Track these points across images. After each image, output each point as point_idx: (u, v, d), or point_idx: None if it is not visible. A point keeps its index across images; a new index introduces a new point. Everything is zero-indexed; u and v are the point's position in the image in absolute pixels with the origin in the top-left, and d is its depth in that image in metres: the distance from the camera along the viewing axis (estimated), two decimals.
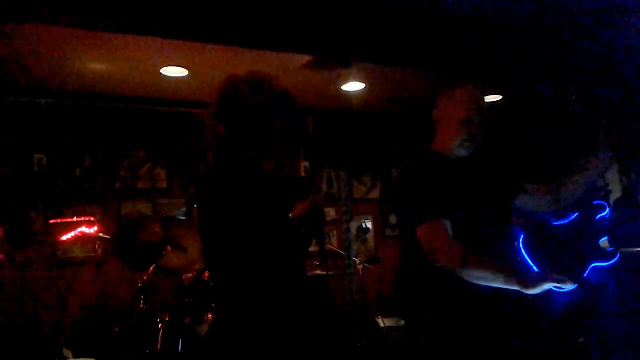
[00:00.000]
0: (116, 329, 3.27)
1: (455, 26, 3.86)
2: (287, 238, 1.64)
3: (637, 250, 3.32)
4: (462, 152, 2.04)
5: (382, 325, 4.28)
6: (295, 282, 1.72)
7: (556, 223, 2.89)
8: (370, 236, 5.35)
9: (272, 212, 1.65)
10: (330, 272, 4.21)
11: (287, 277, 1.68)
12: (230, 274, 1.65)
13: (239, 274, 1.62)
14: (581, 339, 3.01)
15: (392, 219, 5.35)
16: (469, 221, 1.88)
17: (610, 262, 2.92)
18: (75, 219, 3.84)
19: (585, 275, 2.88)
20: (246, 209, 1.57)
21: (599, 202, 3.02)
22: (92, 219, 3.86)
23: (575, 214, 2.97)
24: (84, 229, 3.67)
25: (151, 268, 3.21)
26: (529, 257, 3.05)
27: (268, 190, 1.69)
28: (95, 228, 3.64)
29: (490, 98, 4.98)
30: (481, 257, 1.81)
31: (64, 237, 3.71)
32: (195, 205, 1.76)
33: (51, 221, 4.01)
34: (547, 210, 2.19)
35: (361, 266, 4.29)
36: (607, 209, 3.01)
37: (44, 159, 4.26)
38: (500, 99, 5.01)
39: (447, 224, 1.84)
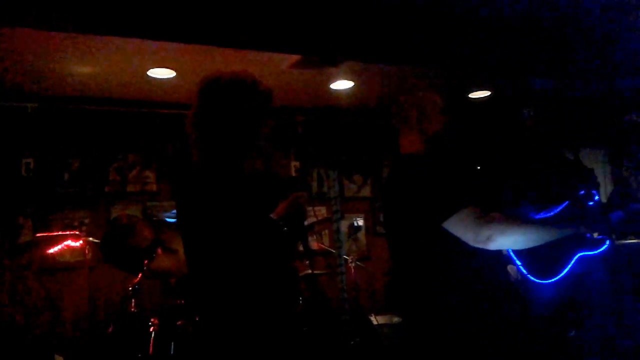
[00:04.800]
0: (108, 333, 3.25)
1: (445, 23, 3.87)
2: (268, 237, 1.64)
3: (627, 242, 3.33)
4: (451, 135, 2.10)
5: (375, 322, 4.28)
6: (281, 281, 1.71)
7: (540, 216, 2.89)
8: (361, 234, 5.35)
9: (252, 212, 1.64)
10: (321, 272, 4.21)
11: (271, 276, 1.67)
12: (211, 275, 1.64)
13: (220, 274, 1.61)
14: (572, 333, 3.02)
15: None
16: None
17: (599, 250, 2.92)
18: (61, 232, 3.86)
19: (570, 266, 2.89)
20: (225, 209, 1.57)
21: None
22: (77, 232, 3.88)
23: (563, 205, 2.97)
24: (69, 242, 3.69)
25: (142, 271, 3.20)
26: (514, 254, 3.06)
27: (248, 190, 1.68)
28: (81, 242, 3.66)
29: (478, 94, 5.00)
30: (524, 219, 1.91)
31: (50, 251, 3.74)
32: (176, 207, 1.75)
33: (38, 234, 3.99)
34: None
35: (353, 264, 4.29)
36: (596, 197, 3.01)
37: (32, 164, 4.23)
38: (488, 95, 5.03)
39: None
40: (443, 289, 1.90)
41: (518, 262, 3.01)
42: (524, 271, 2.97)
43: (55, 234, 3.86)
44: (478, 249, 1.85)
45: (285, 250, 1.72)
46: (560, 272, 2.90)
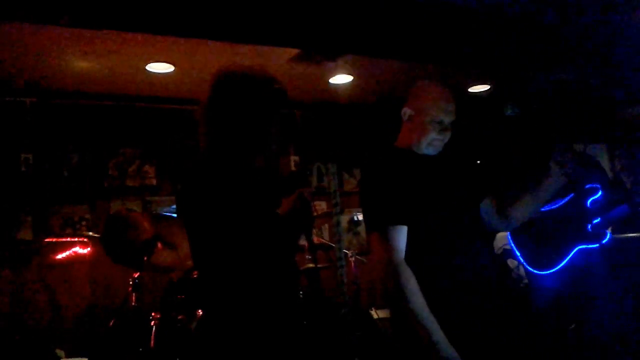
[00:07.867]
0: (109, 327, 3.25)
1: (445, 17, 3.86)
2: (274, 232, 1.64)
3: (626, 236, 3.34)
4: (431, 151, 2.02)
5: (375, 317, 4.29)
6: (285, 275, 1.71)
7: (544, 209, 2.89)
8: (362, 229, 5.34)
9: (259, 208, 1.64)
10: (322, 266, 4.21)
11: (276, 271, 1.67)
12: (217, 270, 1.64)
13: (227, 269, 1.61)
14: (572, 326, 3.03)
15: None
16: (438, 223, 1.86)
17: (599, 243, 2.93)
18: (69, 239, 3.86)
19: (569, 258, 2.90)
20: (232, 204, 1.56)
21: (592, 185, 3.02)
22: (85, 240, 3.89)
23: (568, 198, 2.98)
24: (77, 249, 3.69)
25: (142, 266, 3.20)
26: (514, 244, 3.07)
27: (255, 186, 1.68)
28: (89, 249, 3.67)
29: (478, 88, 5.00)
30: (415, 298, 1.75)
31: (58, 257, 3.74)
32: (179, 202, 1.74)
33: (46, 240, 3.99)
34: (496, 227, 2.08)
35: (353, 259, 4.30)
36: (600, 192, 3.02)
37: (31, 159, 4.22)
38: (488, 89, 5.03)
39: (403, 231, 1.81)
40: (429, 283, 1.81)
41: (518, 253, 3.02)
42: (523, 262, 2.99)
43: (63, 240, 3.86)
44: (452, 243, 1.84)
45: (290, 245, 1.72)
46: (559, 264, 2.91)
